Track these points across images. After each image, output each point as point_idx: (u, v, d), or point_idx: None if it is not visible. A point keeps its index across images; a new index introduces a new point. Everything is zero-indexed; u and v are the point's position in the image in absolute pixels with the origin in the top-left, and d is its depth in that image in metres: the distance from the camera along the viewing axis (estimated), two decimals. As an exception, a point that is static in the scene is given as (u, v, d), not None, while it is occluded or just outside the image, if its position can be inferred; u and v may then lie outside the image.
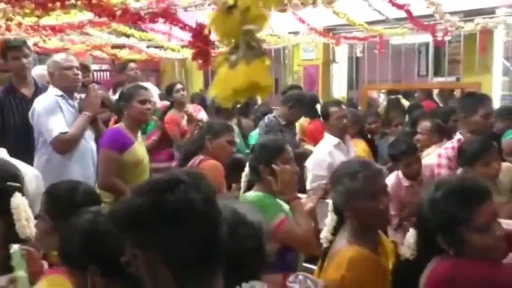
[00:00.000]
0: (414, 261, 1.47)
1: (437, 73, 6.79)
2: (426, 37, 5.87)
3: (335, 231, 1.74)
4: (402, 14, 4.37)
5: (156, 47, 6.69)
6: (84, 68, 5.57)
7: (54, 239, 1.54)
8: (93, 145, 3.05)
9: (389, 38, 6.13)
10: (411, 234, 1.48)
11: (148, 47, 6.67)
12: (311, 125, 4.49)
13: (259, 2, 0.72)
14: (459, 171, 2.66)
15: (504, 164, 2.61)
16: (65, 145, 2.89)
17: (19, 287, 1.47)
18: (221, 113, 4.25)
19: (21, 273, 1.49)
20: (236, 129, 4.43)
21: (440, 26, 4.97)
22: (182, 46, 6.17)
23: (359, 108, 5.96)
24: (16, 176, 1.69)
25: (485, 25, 5.10)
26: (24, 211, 1.60)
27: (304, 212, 2.18)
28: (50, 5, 2.74)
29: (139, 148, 2.90)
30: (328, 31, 6.19)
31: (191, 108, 4.54)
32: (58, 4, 2.68)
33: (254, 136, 4.21)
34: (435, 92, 6.57)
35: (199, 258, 0.99)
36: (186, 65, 8.36)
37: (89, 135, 3.05)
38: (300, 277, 1.45)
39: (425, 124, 3.49)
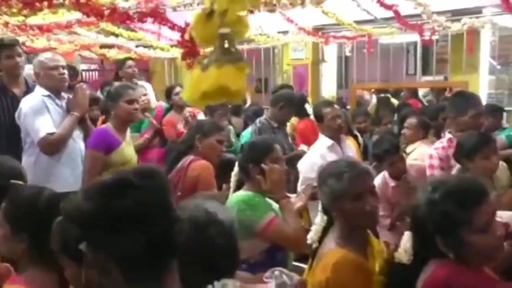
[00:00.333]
0: (410, 264, 1.44)
1: (425, 72, 6.85)
2: (414, 37, 5.91)
3: (325, 231, 1.73)
4: (390, 14, 4.40)
5: (145, 46, 6.66)
6: (71, 70, 5.54)
7: (14, 245, 1.51)
8: (82, 145, 3.02)
9: (377, 38, 6.17)
10: (407, 238, 1.45)
11: (137, 46, 6.64)
12: (301, 124, 4.51)
13: (236, 6, 0.72)
14: (455, 170, 2.63)
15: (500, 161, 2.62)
16: (53, 146, 2.87)
17: None
18: (214, 112, 4.26)
19: None
20: (232, 129, 4.46)
21: (427, 25, 5.01)
22: (172, 45, 6.15)
23: (348, 107, 6.00)
24: (20, 174, 1.67)
25: (471, 24, 5.16)
26: None
27: (293, 211, 2.18)
28: (37, 4, 2.72)
29: (127, 148, 2.89)
30: (317, 30, 6.21)
31: (190, 110, 4.54)
32: (45, 3, 2.66)
33: (246, 136, 4.21)
34: (421, 91, 6.65)
35: (151, 259, 0.98)
36: (175, 65, 8.33)
37: (78, 135, 3.02)
38: (276, 272, 1.47)
39: (412, 120, 3.65)
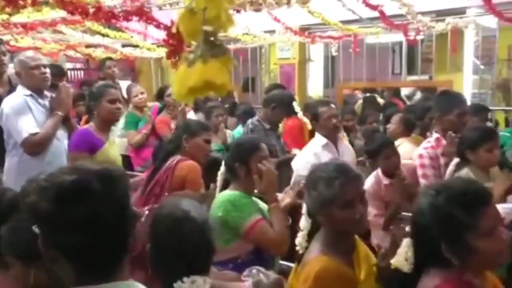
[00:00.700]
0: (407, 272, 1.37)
1: (410, 71, 6.91)
2: (400, 37, 5.97)
3: (311, 235, 1.69)
4: (375, 14, 4.44)
5: (132, 46, 6.63)
6: (58, 69, 5.48)
7: None
8: (66, 144, 2.99)
9: (363, 37, 6.21)
10: (407, 245, 1.36)
11: (123, 46, 6.60)
12: (289, 122, 4.51)
13: (214, 5, 0.73)
14: (452, 164, 2.63)
15: None
16: (36, 147, 2.83)
17: None
18: (211, 113, 4.27)
19: None
20: (228, 131, 4.47)
21: (412, 25, 5.07)
22: (158, 45, 6.13)
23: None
24: None
25: (455, 25, 5.23)
26: None
27: (281, 215, 2.18)
28: (21, 2, 2.69)
29: (111, 148, 2.87)
30: (304, 30, 6.24)
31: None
32: (29, 1, 2.64)
33: (237, 135, 4.23)
34: (407, 90, 6.72)
35: (101, 258, 1.02)
36: (162, 64, 8.29)
37: (62, 134, 2.99)
38: (254, 270, 1.47)
39: (396, 116, 3.84)
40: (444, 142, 2.82)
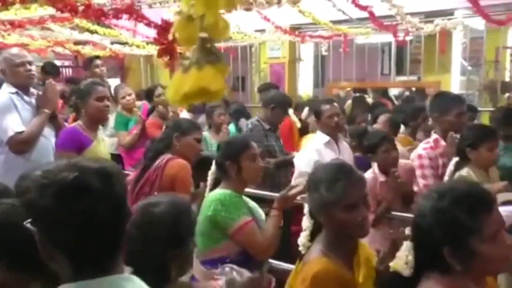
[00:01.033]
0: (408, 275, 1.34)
1: (399, 72, 6.97)
2: (389, 37, 6.01)
3: (314, 235, 1.68)
4: (365, 14, 4.47)
5: (121, 43, 6.58)
6: (52, 67, 5.42)
7: None
8: (53, 142, 2.96)
9: (353, 38, 6.25)
10: (408, 249, 1.33)
11: (112, 43, 6.55)
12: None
13: (212, 10, 0.74)
14: (451, 164, 2.61)
15: None
16: (22, 145, 2.79)
17: None
18: (212, 113, 4.26)
19: None
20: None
21: (401, 26, 5.11)
22: (148, 43, 6.10)
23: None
24: None
25: (444, 26, 5.29)
26: None
27: (276, 225, 2.17)
28: (9, -1, 2.67)
29: (99, 146, 2.84)
30: (294, 29, 6.26)
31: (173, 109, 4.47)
32: (17, -2, 2.61)
33: (230, 133, 4.25)
34: (396, 90, 6.77)
35: (98, 254, 1.03)
36: (151, 62, 8.25)
37: (49, 132, 2.95)
38: (227, 268, 1.46)
39: (383, 117, 3.89)
40: (443, 143, 2.80)
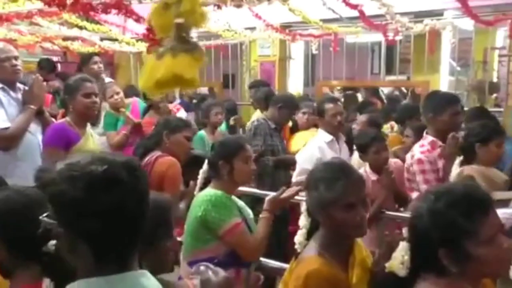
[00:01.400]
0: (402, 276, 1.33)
1: (389, 71, 7.00)
2: (379, 36, 6.03)
3: (310, 233, 1.68)
4: (355, 13, 4.48)
5: (110, 40, 6.52)
6: (48, 63, 5.35)
7: None
8: (40, 139, 2.93)
9: (343, 37, 6.26)
10: (404, 249, 1.33)
11: (101, 39, 6.49)
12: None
13: None
14: (457, 162, 2.61)
15: None
16: (7, 142, 2.77)
17: None
18: (209, 111, 4.23)
19: None
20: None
21: (391, 26, 5.13)
22: (137, 40, 6.05)
23: (315, 104, 6.05)
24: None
25: (433, 26, 5.32)
26: None
27: (267, 228, 2.17)
28: (-4, -8, 2.62)
29: (87, 143, 2.82)
30: (285, 28, 6.25)
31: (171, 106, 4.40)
32: (4, -9, 2.57)
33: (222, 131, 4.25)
34: (386, 90, 6.79)
35: (122, 245, 1.05)
36: (141, 59, 8.19)
37: (36, 128, 2.92)
38: (202, 267, 1.44)
39: (362, 117, 3.90)
40: (439, 143, 2.75)
